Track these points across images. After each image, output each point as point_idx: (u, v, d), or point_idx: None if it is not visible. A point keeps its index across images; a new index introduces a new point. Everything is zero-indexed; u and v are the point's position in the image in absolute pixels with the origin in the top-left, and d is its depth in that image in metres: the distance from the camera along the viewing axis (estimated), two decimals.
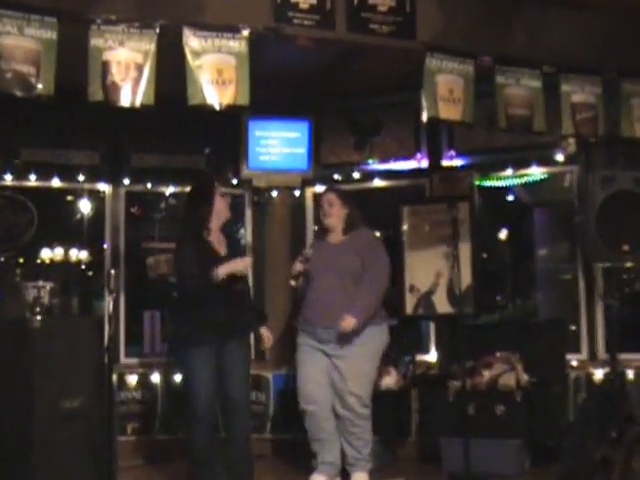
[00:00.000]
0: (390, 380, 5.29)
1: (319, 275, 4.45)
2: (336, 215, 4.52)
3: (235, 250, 4.44)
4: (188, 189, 4.51)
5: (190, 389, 4.19)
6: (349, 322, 4.28)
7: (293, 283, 4.47)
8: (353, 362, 4.38)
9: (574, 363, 5.45)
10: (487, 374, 5.04)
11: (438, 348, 5.84)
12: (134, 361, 5.84)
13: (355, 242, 4.50)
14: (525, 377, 4.99)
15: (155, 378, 5.69)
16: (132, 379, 5.67)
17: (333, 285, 4.40)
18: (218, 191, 4.31)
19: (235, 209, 5.07)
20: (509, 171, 5.83)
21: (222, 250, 4.31)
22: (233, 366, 4.20)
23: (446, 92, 4.52)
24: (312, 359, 4.46)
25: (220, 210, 4.30)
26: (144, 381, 5.69)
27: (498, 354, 5.18)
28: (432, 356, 5.86)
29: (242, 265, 4.24)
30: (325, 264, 4.45)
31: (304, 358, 4.49)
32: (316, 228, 5.91)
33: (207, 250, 4.21)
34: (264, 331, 4.39)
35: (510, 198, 7.14)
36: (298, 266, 4.43)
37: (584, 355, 5.54)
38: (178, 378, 5.54)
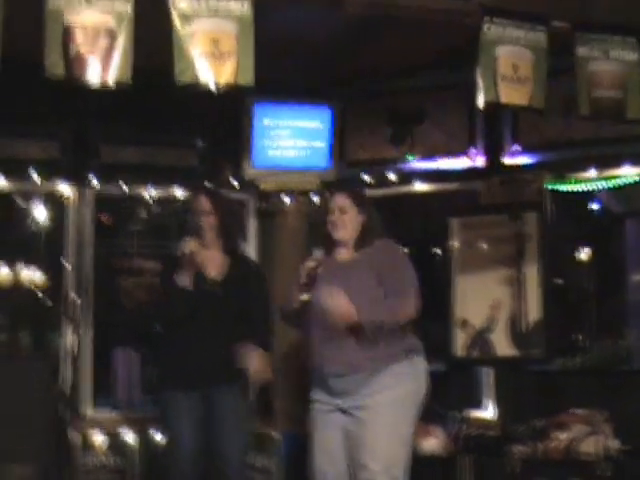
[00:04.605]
0: (435, 443, 5.30)
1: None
2: (350, 225, 4.29)
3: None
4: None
5: (166, 446, 4.25)
6: (344, 305, 3.96)
7: (305, 297, 4.11)
8: (375, 416, 4.04)
9: None
10: (563, 438, 5.02)
11: (497, 402, 5.80)
12: (103, 416, 5.82)
13: (369, 255, 4.22)
14: (615, 444, 4.96)
15: (131, 438, 5.67)
16: (100, 440, 5.64)
17: None
18: None
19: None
20: (592, 172, 5.79)
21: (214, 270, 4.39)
22: (223, 418, 4.19)
23: (509, 69, 4.50)
24: (325, 421, 4.19)
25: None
26: (116, 442, 5.66)
27: (578, 412, 5.16)
28: (489, 412, 5.84)
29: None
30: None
31: (317, 420, 4.23)
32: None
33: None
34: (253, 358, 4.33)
35: (594, 207, 7.09)
36: (311, 264, 4.14)
37: None
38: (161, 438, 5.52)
